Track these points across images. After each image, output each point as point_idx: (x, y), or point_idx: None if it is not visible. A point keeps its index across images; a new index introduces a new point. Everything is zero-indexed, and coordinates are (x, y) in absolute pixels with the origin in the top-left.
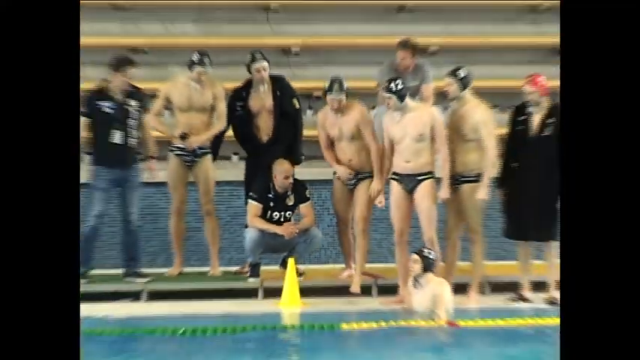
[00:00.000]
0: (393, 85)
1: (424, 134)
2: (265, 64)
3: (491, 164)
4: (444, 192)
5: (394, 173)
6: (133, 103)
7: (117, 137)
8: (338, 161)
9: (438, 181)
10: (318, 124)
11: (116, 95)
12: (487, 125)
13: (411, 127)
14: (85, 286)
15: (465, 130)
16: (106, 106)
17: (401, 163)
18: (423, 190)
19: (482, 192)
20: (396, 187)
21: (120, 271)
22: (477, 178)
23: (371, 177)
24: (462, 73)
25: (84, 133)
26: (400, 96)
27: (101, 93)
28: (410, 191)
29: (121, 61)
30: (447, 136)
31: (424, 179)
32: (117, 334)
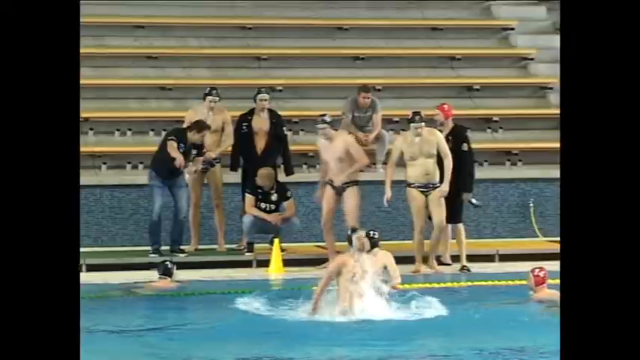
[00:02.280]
0: (326, 117)
1: (342, 157)
2: (267, 96)
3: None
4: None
5: (329, 180)
6: (194, 151)
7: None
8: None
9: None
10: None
11: (188, 143)
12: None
13: (334, 152)
14: (139, 259)
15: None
16: (181, 146)
17: (332, 176)
18: (349, 193)
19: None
20: (329, 190)
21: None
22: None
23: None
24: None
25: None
26: (331, 126)
27: (183, 137)
28: (339, 194)
29: (200, 125)
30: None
31: (349, 186)
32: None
